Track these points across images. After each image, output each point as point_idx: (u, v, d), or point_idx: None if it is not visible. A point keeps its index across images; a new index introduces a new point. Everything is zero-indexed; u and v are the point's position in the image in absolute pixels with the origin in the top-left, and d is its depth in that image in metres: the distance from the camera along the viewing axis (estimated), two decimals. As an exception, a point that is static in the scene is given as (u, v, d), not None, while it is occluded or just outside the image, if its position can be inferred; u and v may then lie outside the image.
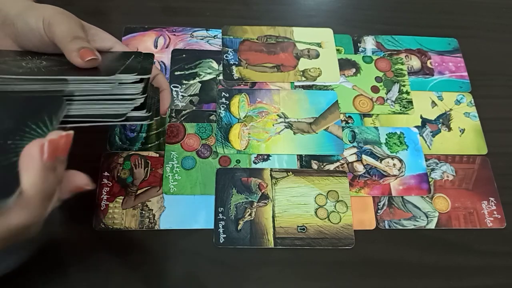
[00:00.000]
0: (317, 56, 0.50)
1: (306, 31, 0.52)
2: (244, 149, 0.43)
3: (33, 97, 0.26)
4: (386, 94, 0.48)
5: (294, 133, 0.45)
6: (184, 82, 0.47)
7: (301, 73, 0.49)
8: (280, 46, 0.50)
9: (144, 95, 0.29)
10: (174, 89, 0.46)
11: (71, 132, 0.21)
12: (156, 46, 0.49)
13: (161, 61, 0.48)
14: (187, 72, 0.47)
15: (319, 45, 0.51)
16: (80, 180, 0.25)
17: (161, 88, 0.37)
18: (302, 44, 0.51)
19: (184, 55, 0.48)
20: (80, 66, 0.29)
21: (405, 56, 0.51)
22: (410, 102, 0.48)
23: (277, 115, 0.46)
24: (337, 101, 0.47)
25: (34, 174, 0.19)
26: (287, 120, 0.46)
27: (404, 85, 0.49)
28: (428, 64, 0.51)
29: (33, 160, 0.19)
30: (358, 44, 0.52)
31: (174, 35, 0.50)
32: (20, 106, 0.25)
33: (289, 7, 0.54)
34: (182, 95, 0.46)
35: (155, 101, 0.34)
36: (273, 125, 0.45)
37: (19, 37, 0.31)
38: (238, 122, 0.45)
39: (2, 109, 0.24)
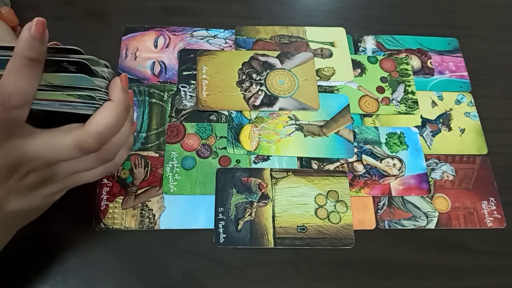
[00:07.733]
0: (330, 55, 0.50)
1: (318, 31, 0.52)
2: (254, 150, 0.43)
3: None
4: (392, 94, 0.48)
5: (305, 136, 0.45)
6: (192, 82, 0.47)
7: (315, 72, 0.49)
8: (293, 45, 0.50)
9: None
10: (182, 89, 0.46)
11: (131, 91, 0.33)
12: (156, 46, 0.49)
13: (161, 61, 0.48)
14: (194, 72, 0.47)
15: (332, 44, 0.51)
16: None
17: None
18: (315, 43, 0.51)
19: (192, 55, 0.48)
20: None
21: (406, 56, 0.51)
22: (415, 102, 0.48)
23: (288, 117, 0.46)
24: (348, 104, 0.47)
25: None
26: (298, 123, 0.45)
27: (409, 85, 0.49)
28: (428, 64, 0.51)
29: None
30: (358, 44, 0.52)
31: (174, 35, 0.50)
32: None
33: (289, 7, 0.54)
34: (190, 95, 0.46)
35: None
36: (283, 127, 0.45)
37: None
38: (249, 123, 0.45)
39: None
